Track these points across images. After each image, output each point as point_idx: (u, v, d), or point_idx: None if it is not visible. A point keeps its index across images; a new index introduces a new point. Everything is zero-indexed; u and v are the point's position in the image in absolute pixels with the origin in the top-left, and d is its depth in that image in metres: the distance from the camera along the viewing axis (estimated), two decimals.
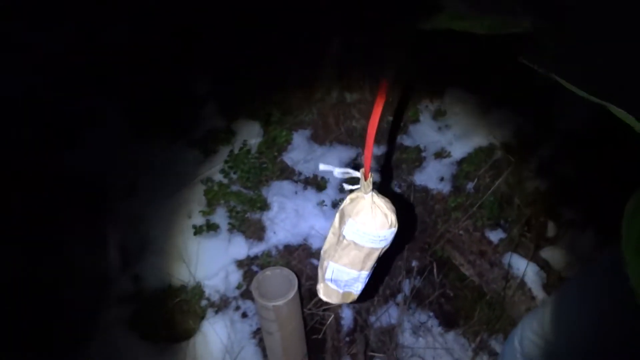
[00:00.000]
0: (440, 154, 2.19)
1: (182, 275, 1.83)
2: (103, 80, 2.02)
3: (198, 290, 1.82)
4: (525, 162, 2.11)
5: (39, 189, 1.86)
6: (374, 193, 0.89)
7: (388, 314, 2.00)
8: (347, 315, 1.88)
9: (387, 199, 0.91)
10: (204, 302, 1.82)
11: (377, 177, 2.09)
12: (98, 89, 2.03)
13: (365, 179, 0.87)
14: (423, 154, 2.19)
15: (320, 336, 1.90)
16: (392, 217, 0.89)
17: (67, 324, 1.74)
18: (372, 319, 1.99)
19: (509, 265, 2.00)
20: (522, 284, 1.97)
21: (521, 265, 1.98)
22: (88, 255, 1.78)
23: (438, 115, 2.25)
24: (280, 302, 1.44)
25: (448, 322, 2.13)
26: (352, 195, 0.92)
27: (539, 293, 1.94)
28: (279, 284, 1.55)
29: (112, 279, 1.80)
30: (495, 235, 2.08)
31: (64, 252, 1.77)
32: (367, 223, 0.89)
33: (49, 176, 1.89)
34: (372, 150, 0.86)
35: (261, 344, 1.84)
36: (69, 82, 1.97)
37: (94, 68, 1.96)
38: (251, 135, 2.10)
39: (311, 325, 1.96)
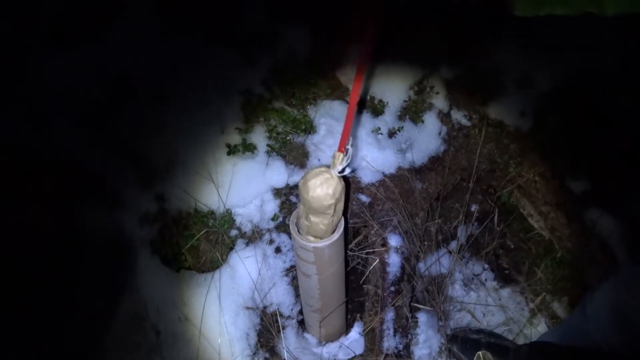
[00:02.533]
0: (524, 83, 1.81)
1: (211, 199, 1.61)
2: None
3: (228, 218, 1.60)
4: None
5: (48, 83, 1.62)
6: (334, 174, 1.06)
7: (439, 263, 1.75)
8: (393, 262, 1.64)
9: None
10: (233, 232, 1.61)
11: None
12: None
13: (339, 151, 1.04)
14: (503, 81, 1.81)
15: (362, 281, 1.69)
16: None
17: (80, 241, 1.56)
18: (422, 267, 1.75)
19: (593, 222, 1.68)
20: (605, 245, 1.67)
21: (607, 225, 1.67)
22: (103, 168, 1.56)
23: (525, 30, 1.80)
24: (322, 244, 1.20)
25: (505, 276, 1.89)
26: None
27: (625, 259, 1.64)
28: None
29: (132, 196, 1.59)
30: (578, 186, 1.75)
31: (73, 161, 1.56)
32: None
33: (65, 70, 1.64)
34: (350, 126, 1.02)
35: (294, 283, 1.64)
36: None
37: None
38: (300, 42, 1.76)
39: (352, 266, 1.75)
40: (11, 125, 1.54)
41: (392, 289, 1.61)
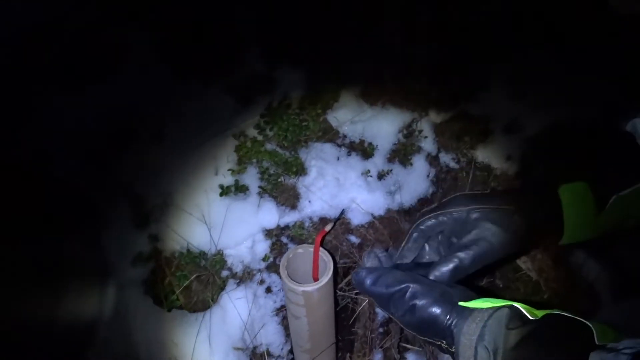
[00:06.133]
0: (511, 128, 1.87)
1: (203, 240, 1.64)
2: (134, 8, 1.76)
3: (219, 259, 1.63)
4: None
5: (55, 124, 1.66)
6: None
7: None
8: None
9: None
10: (225, 273, 1.63)
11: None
12: (128, 18, 1.78)
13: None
14: (490, 126, 1.87)
15: (350, 322, 1.71)
16: None
17: (77, 278, 1.59)
18: None
19: (579, 266, 1.72)
20: (590, 288, 1.70)
21: (593, 269, 1.70)
22: (101, 207, 1.60)
23: (515, 81, 1.88)
24: (311, 288, 1.22)
25: None
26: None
27: (609, 302, 1.66)
28: (312, 264, 1.34)
29: (128, 236, 1.62)
30: None
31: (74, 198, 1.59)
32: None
33: (70, 112, 1.69)
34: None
35: (284, 322, 1.66)
36: (96, 9, 1.72)
37: None
38: (294, 86, 1.83)
39: (343, 305, 1.76)
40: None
41: (381, 330, 1.63)
